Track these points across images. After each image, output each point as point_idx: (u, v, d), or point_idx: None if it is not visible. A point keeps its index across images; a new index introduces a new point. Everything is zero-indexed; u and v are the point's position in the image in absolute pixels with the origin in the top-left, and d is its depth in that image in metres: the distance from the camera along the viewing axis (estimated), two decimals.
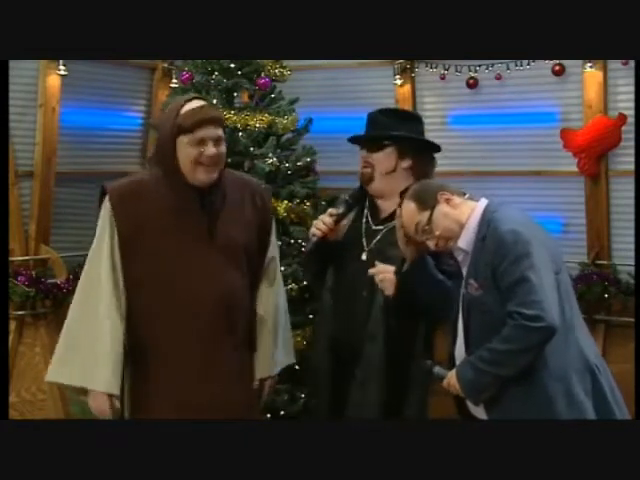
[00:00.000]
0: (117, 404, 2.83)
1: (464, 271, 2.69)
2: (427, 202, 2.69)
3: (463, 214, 2.67)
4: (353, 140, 3.17)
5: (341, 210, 3.00)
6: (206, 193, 2.86)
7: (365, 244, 3.02)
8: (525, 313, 2.45)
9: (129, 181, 2.97)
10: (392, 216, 2.97)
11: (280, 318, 3.07)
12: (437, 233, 2.67)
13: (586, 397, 2.55)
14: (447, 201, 2.68)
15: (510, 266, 2.50)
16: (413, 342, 2.98)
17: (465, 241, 2.65)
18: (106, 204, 2.86)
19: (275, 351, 3.05)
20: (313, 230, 2.99)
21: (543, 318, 2.44)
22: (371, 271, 2.91)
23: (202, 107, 2.84)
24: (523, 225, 2.57)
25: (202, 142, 2.79)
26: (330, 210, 3.02)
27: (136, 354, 2.86)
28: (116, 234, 2.83)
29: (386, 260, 2.94)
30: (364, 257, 3.00)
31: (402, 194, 2.92)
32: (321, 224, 2.97)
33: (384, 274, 2.88)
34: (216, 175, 2.85)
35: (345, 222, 3.04)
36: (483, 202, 2.70)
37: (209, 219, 2.87)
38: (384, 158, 2.99)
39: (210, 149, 2.80)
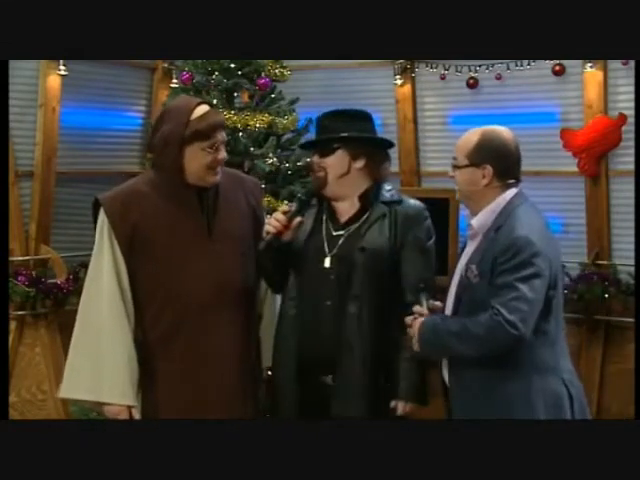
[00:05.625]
0: (136, 414, 2.83)
1: (469, 248, 2.70)
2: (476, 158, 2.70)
3: (487, 197, 2.66)
4: (303, 146, 3.18)
5: (294, 207, 2.92)
6: (202, 191, 2.90)
7: (327, 250, 2.95)
8: (505, 315, 2.49)
9: (121, 189, 2.95)
10: (352, 220, 2.96)
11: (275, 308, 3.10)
12: (459, 188, 2.71)
13: (546, 411, 2.56)
14: (485, 177, 2.66)
15: (510, 270, 2.52)
16: (395, 340, 2.88)
17: (479, 222, 2.67)
18: (102, 216, 2.87)
19: None
20: (266, 227, 2.91)
21: (518, 328, 2.49)
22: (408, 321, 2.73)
23: (212, 112, 2.89)
24: (538, 234, 2.57)
25: (216, 147, 2.85)
26: (282, 207, 2.97)
27: (144, 355, 2.89)
28: (116, 244, 2.85)
29: (350, 266, 2.91)
30: (327, 264, 2.93)
31: (361, 197, 2.92)
32: (274, 221, 2.88)
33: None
34: (220, 175, 2.91)
35: (306, 225, 2.96)
36: (510, 193, 2.68)
37: (208, 216, 2.91)
38: (336, 161, 2.93)
39: (222, 153, 2.87)
